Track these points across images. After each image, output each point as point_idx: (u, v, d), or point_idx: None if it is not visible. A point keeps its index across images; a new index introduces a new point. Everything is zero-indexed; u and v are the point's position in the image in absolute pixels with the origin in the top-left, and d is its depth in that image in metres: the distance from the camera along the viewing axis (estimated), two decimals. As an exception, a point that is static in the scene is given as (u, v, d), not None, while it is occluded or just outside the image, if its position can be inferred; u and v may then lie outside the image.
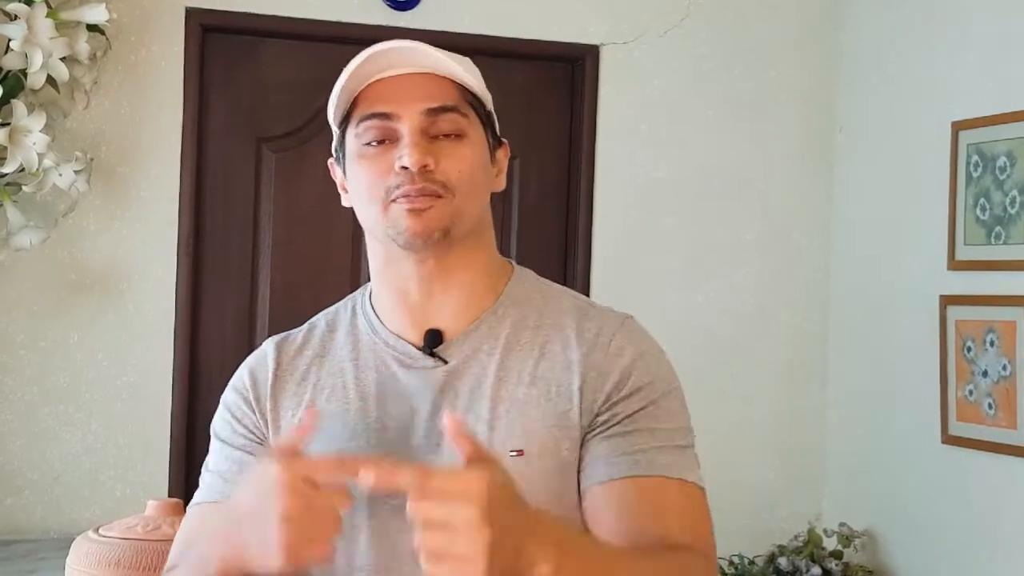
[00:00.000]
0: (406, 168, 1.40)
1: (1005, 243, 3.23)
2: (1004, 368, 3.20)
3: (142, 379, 3.38)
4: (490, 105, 1.50)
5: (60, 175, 3.01)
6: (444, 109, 1.42)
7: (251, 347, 3.57)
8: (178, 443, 3.40)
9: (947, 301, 3.39)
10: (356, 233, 3.71)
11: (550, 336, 1.48)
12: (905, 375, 3.55)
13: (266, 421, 1.54)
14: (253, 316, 3.53)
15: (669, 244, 3.77)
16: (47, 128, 2.96)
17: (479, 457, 1.21)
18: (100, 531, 1.74)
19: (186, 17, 3.40)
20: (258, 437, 1.55)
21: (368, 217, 1.46)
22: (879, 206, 3.71)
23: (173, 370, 3.40)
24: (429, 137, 1.42)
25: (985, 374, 3.26)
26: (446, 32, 3.53)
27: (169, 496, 3.26)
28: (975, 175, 3.33)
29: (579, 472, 1.45)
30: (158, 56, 3.38)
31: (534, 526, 1.22)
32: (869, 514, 3.67)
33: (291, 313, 3.50)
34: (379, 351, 1.50)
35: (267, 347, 1.60)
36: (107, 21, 3.07)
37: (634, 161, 3.73)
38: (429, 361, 1.47)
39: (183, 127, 3.40)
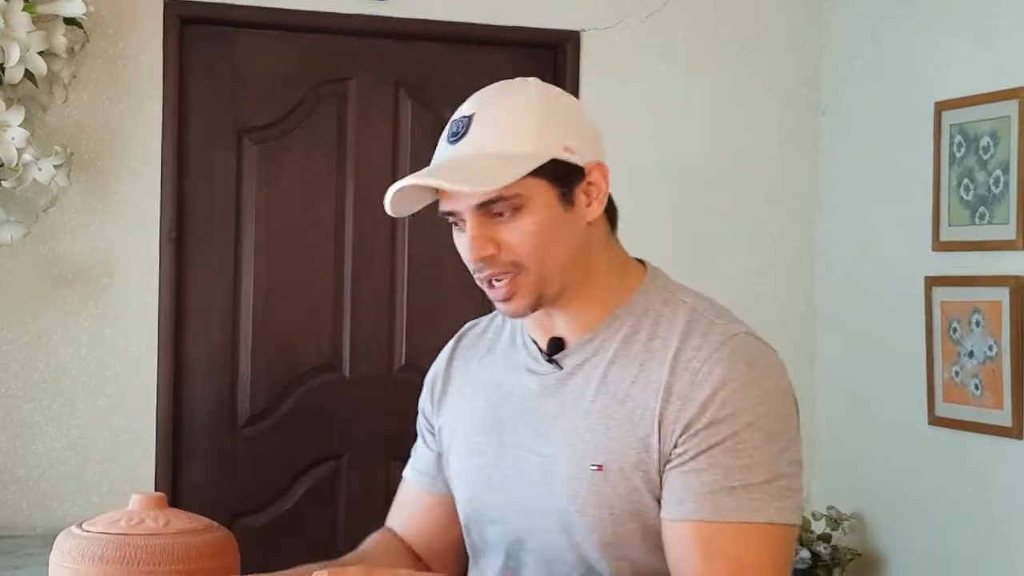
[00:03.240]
0: None
1: (989, 223, 3.23)
2: (990, 349, 3.21)
3: (126, 373, 3.38)
4: (556, 153, 1.48)
5: (40, 170, 3.00)
6: (491, 201, 1.46)
7: (235, 339, 3.60)
8: (164, 436, 3.40)
9: (932, 282, 3.40)
10: (338, 222, 3.73)
11: (654, 353, 1.51)
12: (891, 357, 3.57)
13: (437, 405, 1.71)
14: (237, 308, 3.53)
15: (652, 230, 3.75)
16: (26, 123, 2.96)
17: None
18: (83, 526, 1.72)
19: (164, 8, 3.39)
20: (430, 424, 1.73)
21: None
22: (863, 188, 3.72)
23: (157, 364, 3.40)
24: (491, 217, 1.48)
25: (971, 355, 3.27)
26: (425, 20, 3.54)
27: (156, 489, 3.27)
28: (958, 155, 3.34)
29: (660, 498, 1.48)
30: (136, 48, 3.37)
31: None
32: (857, 497, 3.69)
33: (275, 304, 3.52)
34: (520, 351, 1.62)
35: (456, 337, 1.76)
36: (84, 14, 3.06)
37: (616, 147, 3.66)
38: (548, 367, 1.56)
39: (163, 119, 3.40)
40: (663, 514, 1.47)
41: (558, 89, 1.58)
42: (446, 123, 3.85)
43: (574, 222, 1.51)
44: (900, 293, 3.52)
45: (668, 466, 1.46)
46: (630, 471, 1.47)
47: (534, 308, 1.52)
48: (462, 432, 1.64)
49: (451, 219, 1.52)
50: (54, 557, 1.68)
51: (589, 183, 1.52)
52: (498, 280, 1.49)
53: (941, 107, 3.39)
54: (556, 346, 1.57)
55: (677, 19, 3.75)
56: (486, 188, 1.44)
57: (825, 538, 3.55)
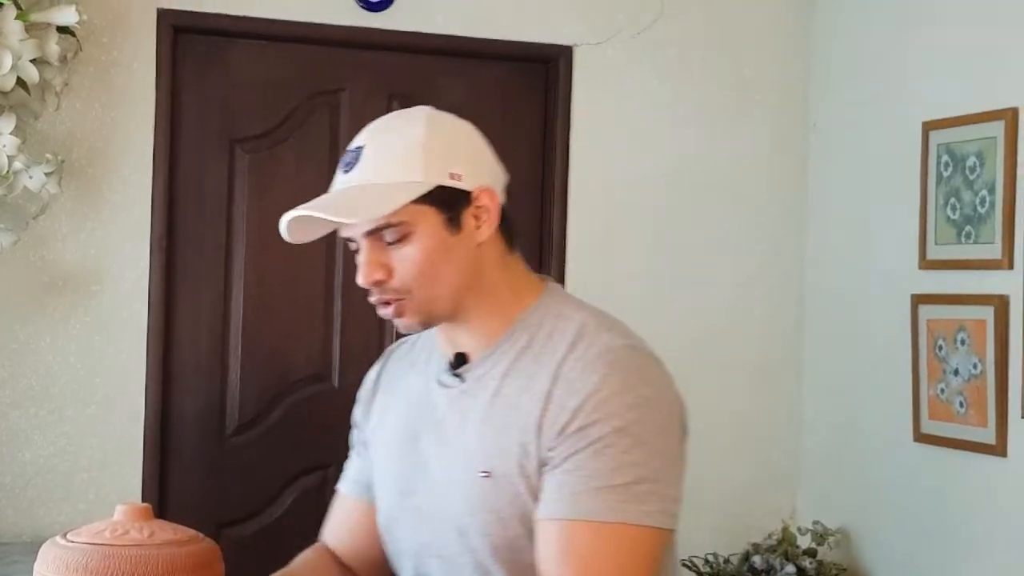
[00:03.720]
0: None
1: (975, 242, 3.25)
2: (975, 367, 3.22)
3: (115, 381, 3.37)
4: (441, 180, 1.55)
5: (31, 177, 2.99)
6: (377, 228, 1.54)
7: (225, 348, 3.61)
8: (151, 445, 3.40)
9: (918, 300, 3.42)
10: (329, 233, 3.72)
11: (543, 364, 1.57)
12: (877, 373, 3.58)
13: (365, 418, 1.80)
14: (227, 317, 3.52)
15: (643, 242, 3.78)
16: (17, 130, 2.95)
17: None
18: (68, 536, 1.73)
19: (157, 18, 3.39)
20: (363, 436, 1.81)
21: None
22: (851, 205, 3.73)
23: (146, 372, 3.40)
24: (382, 243, 1.55)
25: (956, 373, 3.29)
26: (418, 33, 3.55)
27: (143, 499, 3.27)
28: (945, 175, 3.35)
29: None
30: (129, 57, 3.37)
31: None
32: (843, 512, 3.69)
33: (265, 313, 3.53)
34: (434, 366, 1.69)
35: (386, 352, 1.84)
36: (77, 22, 3.05)
37: (608, 160, 3.74)
38: (454, 380, 1.64)
39: (155, 128, 3.39)
40: (537, 515, 1.53)
41: (451, 116, 1.64)
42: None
43: (463, 245, 1.58)
44: (887, 310, 3.53)
45: (544, 469, 1.52)
46: (515, 477, 1.54)
47: (425, 326, 1.61)
48: (383, 444, 1.73)
49: (352, 245, 1.60)
50: (38, 567, 1.69)
51: (478, 207, 1.58)
52: (385, 304, 1.57)
53: (928, 127, 3.40)
54: (460, 360, 1.64)
55: (669, 34, 3.76)
56: (368, 218, 1.52)
57: (811, 553, 3.56)
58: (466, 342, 1.63)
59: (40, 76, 2.99)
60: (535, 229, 3.73)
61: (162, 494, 3.40)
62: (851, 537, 3.67)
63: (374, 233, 1.54)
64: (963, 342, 3.27)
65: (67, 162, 3.23)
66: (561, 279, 3.69)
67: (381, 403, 1.76)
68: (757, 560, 3.51)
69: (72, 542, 1.65)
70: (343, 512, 1.83)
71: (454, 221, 1.56)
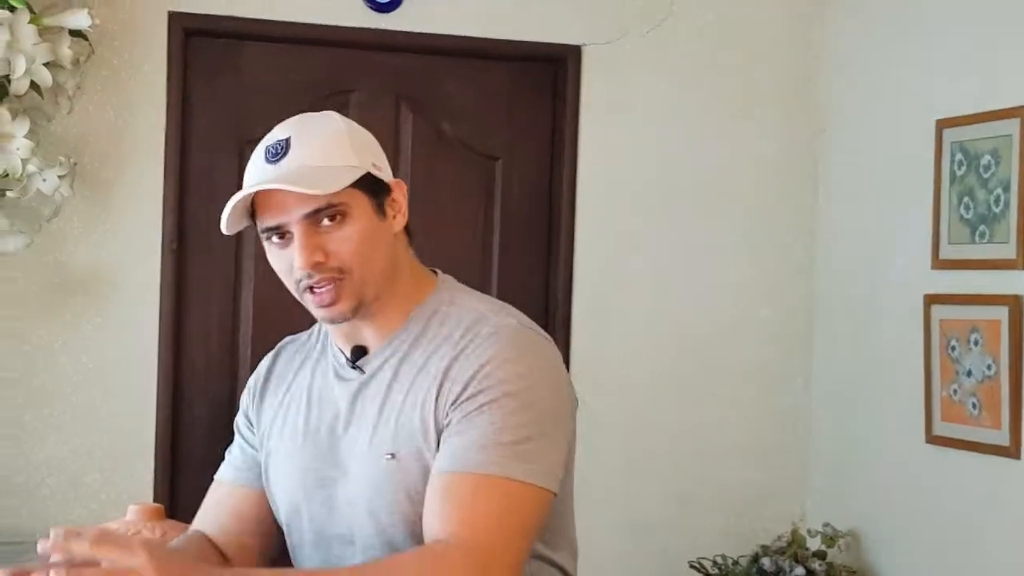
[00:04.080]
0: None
1: (989, 242, 3.24)
2: (988, 368, 3.22)
3: (127, 382, 3.39)
4: (368, 168, 1.62)
5: (44, 180, 3.02)
6: (319, 210, 1.58)
7: (235, 349, 3.61)
8: (163, 445, 3.42)
9: (931, 300, 3.41)
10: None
11: (439, 347, 1.63)
12: (889, 374, 3.57)
13: (256, 412, 1.82)
14: (237, 318, 3.54)
15: (652, 243, 3.78)
16: (31, 133, 2.98)
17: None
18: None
19: (169, 21, 3.41)
20: (250, 425, 1.84)
21: (291, 291, 1.66)
22: (863, 205, 3.73)
23: (158, 372, 3.42)
24: (317, 228, 1.59)
25: (969, 374, 3.28)
26: (426, 34, 3.56)
27: (154, 498, 3.27)
28: (959, 173, 3.35)
29: None
30: (141, 60, 3.39)
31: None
32: (853, 514, 3.68)
33: (274, 315, 3.53)
34: (329, 360, 1.74)
35: (275, 349, 1.87)
36: (90, 26, 3.09)
37: (617, 161, 3.74)
38: (353, 372, 1.69)
39: (166, 131, 3.41)
40: (431, 472, 1.58)
41: (352, 122, 1.70)
42: (446, 136, 3.93)
43: (386, 231, 1.65)
44: (899, 310, 3.53)
45: (441, 437, 1.58)
46: (418, 454, 1.60)
47: (354, 312, 1.63)
48: (280, 438, 1.75)
49: (273, 235, 1.62)
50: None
51: (392, 199, 1.66)
52: (320, 287, 1.60)
53: (942, 125, 3.39)
54: (359, 353, 1.69)
55: (677, 34, 3.76)
56: (326, 191, 1.56)
57: (820, 555, 3.55)
58: (366, 334, 1.68)
59: (53, 80, 3.03)
60: (543, 228, 3.74)
61: (172, 493, 3.42)
62: (861, 540, 3.67)
63: (312, 216, 1.58)
64: (976, 343, 3.26)
65: (80, 165, 3.25)
66: (569, 278, 3.70)
67: (274, 399, 1.79)
68: (766, 562, 3.51)
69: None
70: (222, 498, 1.84)
71: (380, 208, 1.64)
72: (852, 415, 3.73)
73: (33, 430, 3.32)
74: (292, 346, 1.84)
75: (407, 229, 1.71)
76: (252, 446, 1.82)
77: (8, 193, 3.04)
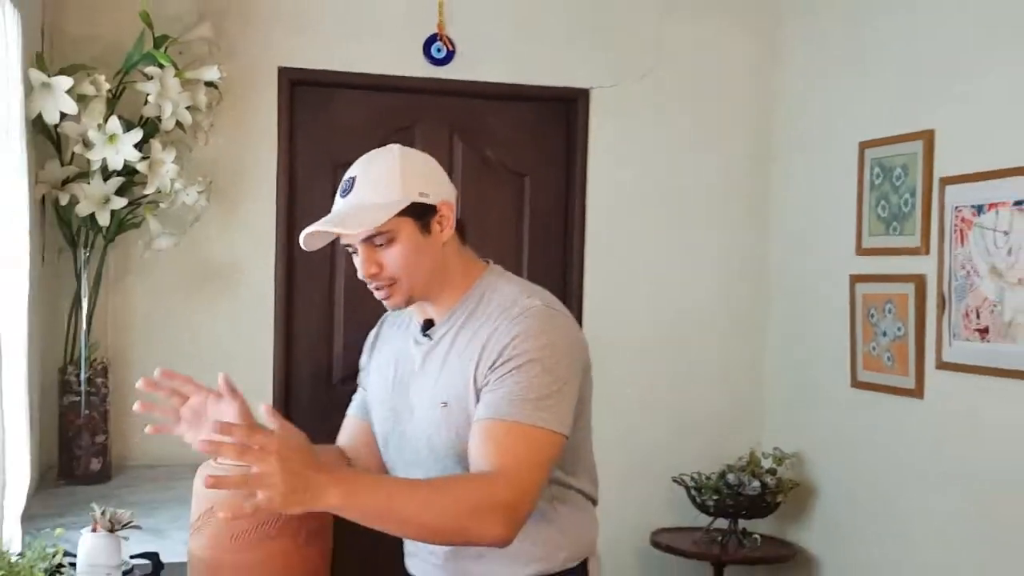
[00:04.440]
0: None
1: (900, 234, 3.24)
2: (899, 330, 3.22)
3: (251, 346, 3.41)
4: (413, 198, 1.61)
5: (187, 195, 3.03)
6: (371, 236, 1.61)
7: (331, 322, 3.64)
8: (279, 392, 3.44)
9: (856, 279, 3.41)
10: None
11: (485, 322, 1.64)
12: (824, 334, 3.57)
13: (367, 367, 1.85)
14: (332, 299, 3.55)
15: (646, 240, 3.78)
16: (176, 159, 2.99)
17: (285, 427, 1.45)
18: (218, 459, 1.79)
19: (278, 74, 3.42)
20: (364, 377, 1.86)
21: None
22: (804, 207, 3.71)
23: (274, 340, 3.43)
24: (374, 247, 1.62)
25: (884, 334, 3.28)
26: (472, 81, 3.56)
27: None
28: (877, 183, 3.34)
29: None
30: (258, 104, 3.40)
31: (323, 469, 1.40)
32: (797, 440, 3.68)
33: (359, 296, 3.55)
34: (411, 330, 1.76)
35: (381, 320, 1.89)
36: (219, 79, 3.11)
37: (617, 177, 3.74)
38: (425, 339, 1.71)
39: (278, 157, 3.42)
40: (474, 418, 1.59)
41: (414, 150, 1.70)
42: (490, 161, 3.94)
43: (432, 244, 1.64)
44: (831, 287, 3.52)
45: (480, 393, 1.60)
46: (464, 404, 1.61)
47: (407, 304, 1.67)
48: (379, 387, 1.79)
49: (349, 249, 1.66)
50: (197, 481, 1.76)
51: (440, 215, 1.64)
52: (378, 288, 1.65)
53: (864, 145, 3.39)
54: (428, 325, 1.71)
55: (664, 79, 3.74)
56: (365, 228, 1.59)
57: (772, 472, 3.55)
58: (432, 311, 1.70)
59: (192, 119, 3.05)
60: (561, 232, 3.73)
61: (287, 430, 3.45)
62: (803, 460, 3.67)
63: (368, 240, 1.60)
64: (890, 311, 3.26)
65: (214, 183, 3.25)
66: (582, 265, 3.70)
67: (379, 356, 1.82)
68: (731, 477, 3.51)
69: (220, 464, 1.71)
70: (347, 427, 1.89)
71: (425, 227, 1.63)
72: (797, 365, 3.74)
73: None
74: (392, 318, 1.85)
75: (461, 231, 1.70)
76: (365, 389, 1.85)
77: (161, 204, 3.07)
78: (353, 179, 1.63)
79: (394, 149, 1.67)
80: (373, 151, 1.69)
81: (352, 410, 1.90)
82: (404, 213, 1.60)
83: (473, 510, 1.47)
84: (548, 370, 1.57)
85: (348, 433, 1.88)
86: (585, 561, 1.72)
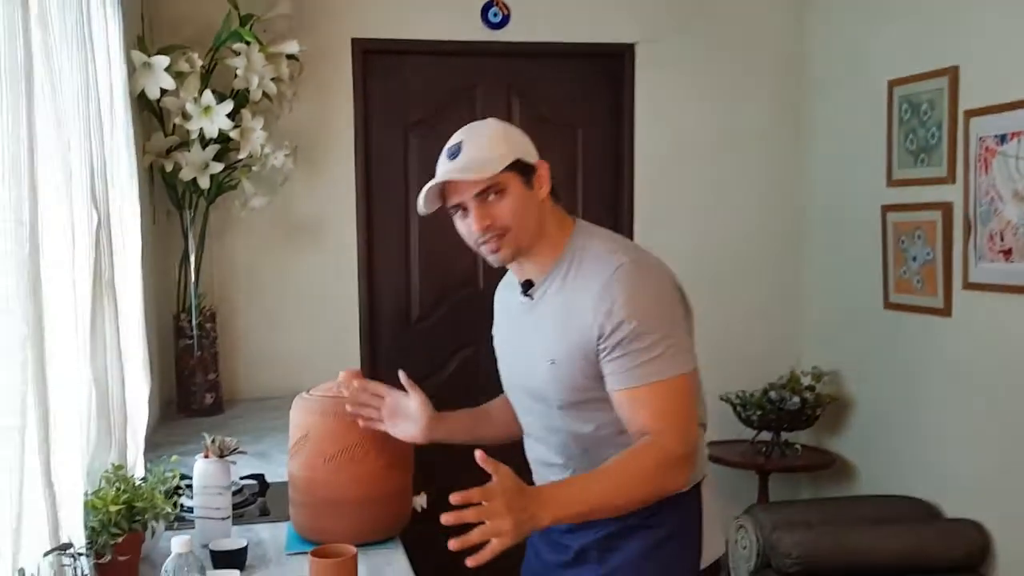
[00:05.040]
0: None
1: (927, 166, 3.16)
2: (928, 254, 3.15)
3: (338, 292, 3.44)
4: (518, 155, 1.59)
5: (276, 158, 3.05)
6: (484, 190, 1.57)
7: (408, 267, 3.65)
8: (364, 331, 3.47)
9: (887, 208, 3.34)
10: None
11: (587, 280, 1.59)
12: (858, 260, 3.51)
13: (495, 325, 1.82)
14: (407, 246, 3.55)
15: (688, 180, 3.74)
16: (265, 127, 3.02)
17: (500, 472, 1.39)
18: (311, 391, 1.82)
19: (352, 45, 3.41)
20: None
21: (471, 247, 1.65)
22: (838, 143, 3.64)
23: (358, 284, 3.46)
24: (485, 202, 1.58)
25: (914, 259, 3.22)
26: (527, 42, 3.53)
27: (360, 367, 3.36)
28: (905, 118, 3.25)
29: (602, 375, 1.58)
30: (335, 73, 3.40)
31: (534, 497, 1.40)
32: (834, 359, 3.65)
33: (432, 242, 3.58)
34: (516, 290, 1.72)
35: (500, 283, 1.85)
36: (299, 51, 3.11)
37: (662, 125, 3.69)
38: (526, 298, 1.68)
39: (355, 120, 3.43)
40: (608, 388, 1.57)
41: (507, 123, 1.67)
42: (545, 118, 3.86)
43: (534, 199, 1.61)
44: (864, 216, 3.46)
45: (601, 356, 1.55)
46: (573, 362, 1.58)
47: (514, 257, 1.62)
48: (500, 343, 1.79)
49: (456, 211, 1.61)
50: (293, 411, 1.80)
51: (539, 175, 1.62)
52: (488, 242, 1.59)
53: (893, 84, 3.30)
54: (528, 284, 1.67)
55: (702, 32, 3.67)
56: (486, 175, 1.55)
57: (811, 388, 3.53)
58: (531, 270, 1.66)
59: (277, 89, 3.06)
60: (612, 179, 3.70)
61: (373, 364, 3.49)
62: (840, 377, 3.64)
63: (481, 195, 1.57)
64: (919, 237, 3.19)
65: (298, 147, 3.29)
66: (631, 210, 3.67)
67: (497, 318, 1.81)
68: (773, 394, 3.50)
69: (312, 395, 1.74)
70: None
71: (529, 183, 1.60)
72: (833, 290, 3.69)
73: (278, 324, 3.39)
74: (503, 280, 1.83)
75: (554, 192, 1.66)
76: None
77: (253, 168, 3.10)
78: (460, 143, 1.60)
79: (491, 120, 1.66)
80: (472, 123, 1.67)
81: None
82: (511, 168, 1.57)
83: (656, 475, 1.49)
84: (658, 325, 1.54)
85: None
86: (699, 483, 1.71)
